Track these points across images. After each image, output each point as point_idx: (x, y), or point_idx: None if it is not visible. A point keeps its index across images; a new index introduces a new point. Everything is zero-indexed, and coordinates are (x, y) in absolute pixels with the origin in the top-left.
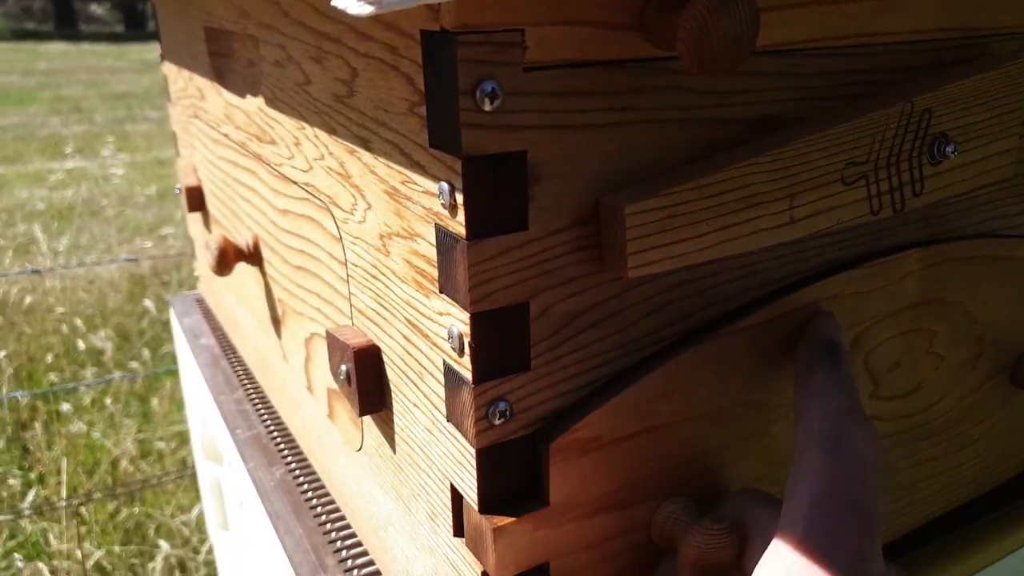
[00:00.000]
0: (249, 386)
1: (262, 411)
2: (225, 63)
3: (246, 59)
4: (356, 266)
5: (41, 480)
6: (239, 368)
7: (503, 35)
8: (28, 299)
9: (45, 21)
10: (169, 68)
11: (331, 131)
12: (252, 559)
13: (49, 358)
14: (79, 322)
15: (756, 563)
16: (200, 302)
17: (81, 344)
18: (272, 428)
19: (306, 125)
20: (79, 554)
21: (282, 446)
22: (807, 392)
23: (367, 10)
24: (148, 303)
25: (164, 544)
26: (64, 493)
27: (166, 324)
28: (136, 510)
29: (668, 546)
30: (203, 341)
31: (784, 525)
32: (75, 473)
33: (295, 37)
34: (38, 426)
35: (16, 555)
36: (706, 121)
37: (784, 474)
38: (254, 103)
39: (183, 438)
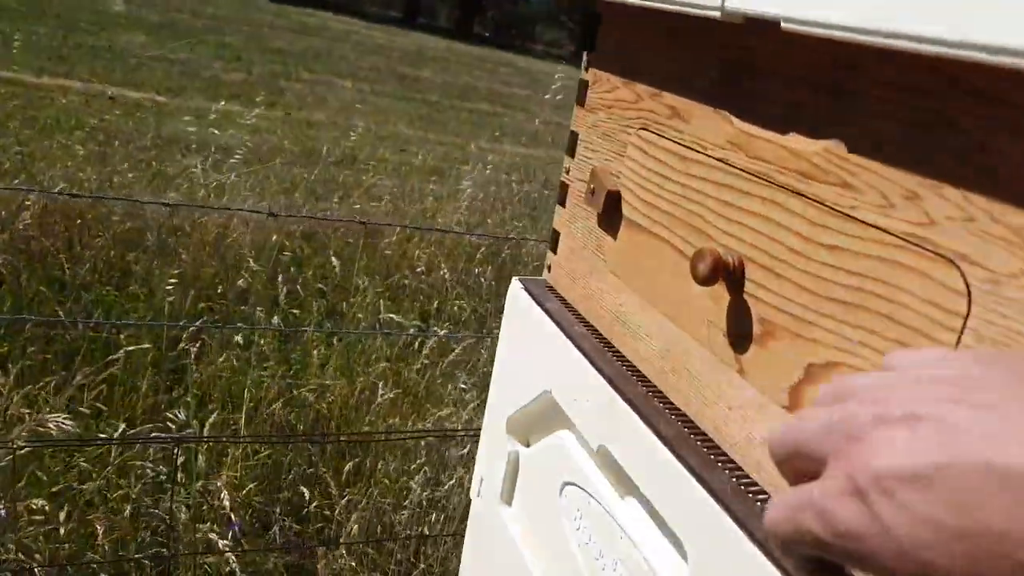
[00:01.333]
0: (638, 382)
1: (667, 410)
2: (747, 96)
3: (790, 101)
4: (993, 324)
5: (200, 405)
6: (618, 362)
7: None
8: (197, 232)
9: None
10: (599, 75)
11: (1012, 200)
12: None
13: (219, 289)
14: (252, 263)
15: None
16: (551, 289)
17: (241, 283)
18: (685, 428)
19: (947, 186)
20: (219, 484)
21: (703, 448)
22: None
23: None
24: (334, 258)
25: (305, 491)
26: (237, 425)
27: (315, 277)
28: (274, 453)
29: None
30: (577, 329)
31: None
32: (224, 407)
33: (979, 114)
34: (193, 352)
35: (162, 469)
36: None
37: None
38: (812, 144)
39: (321, 393)
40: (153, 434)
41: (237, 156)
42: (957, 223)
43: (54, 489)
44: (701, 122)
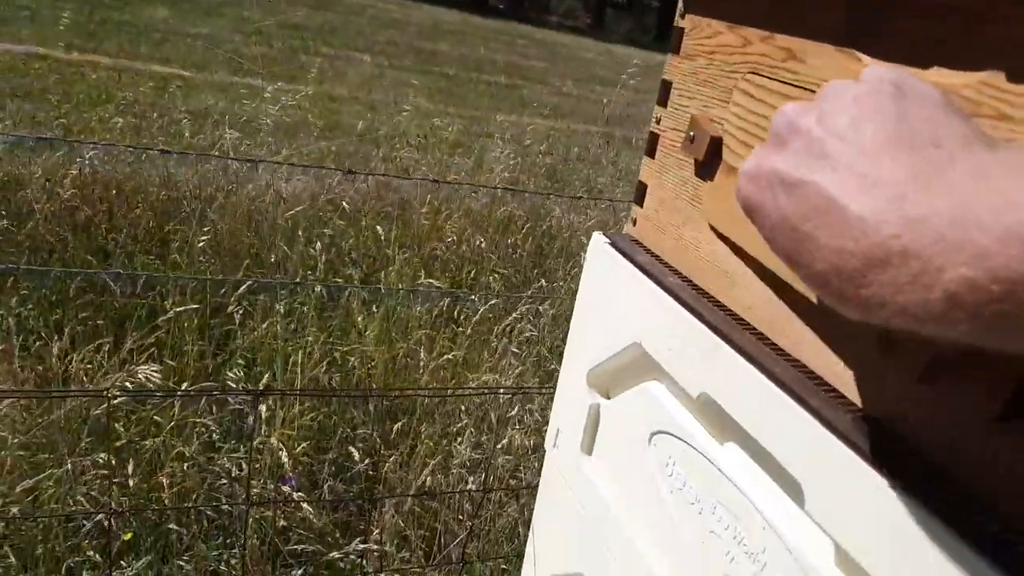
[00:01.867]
0: (744, 329)
1: (777, 355)
2: (880, 32)
3: (933, 34)
4: None
5: (248, 366)
6: (720, 311)
7: None
8: (245, 195)
9: None
10: (699, 21)
11: None
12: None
13: (257, 258)
14: (300, 232)
15: None
16: (635, 242)
17: (279, 252)
18: (799, 372)
19: None
20: (273, 441)
21: (821, 390)
22: None
23: None
24: (378, 227)
25: (354, 451)
26: (285, 385)
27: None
28: (319, 415)
29: None
30: (671, 280)
31: None
32: (270, 370)
33: None
34: (236, 317)
35: (215, 428)
36: None
37: None
38: (964, 77)
39: (363, 358)
40: (215, 393)
41: (265, 130)
42: None
43: (117, 444)
44: (823, 61)
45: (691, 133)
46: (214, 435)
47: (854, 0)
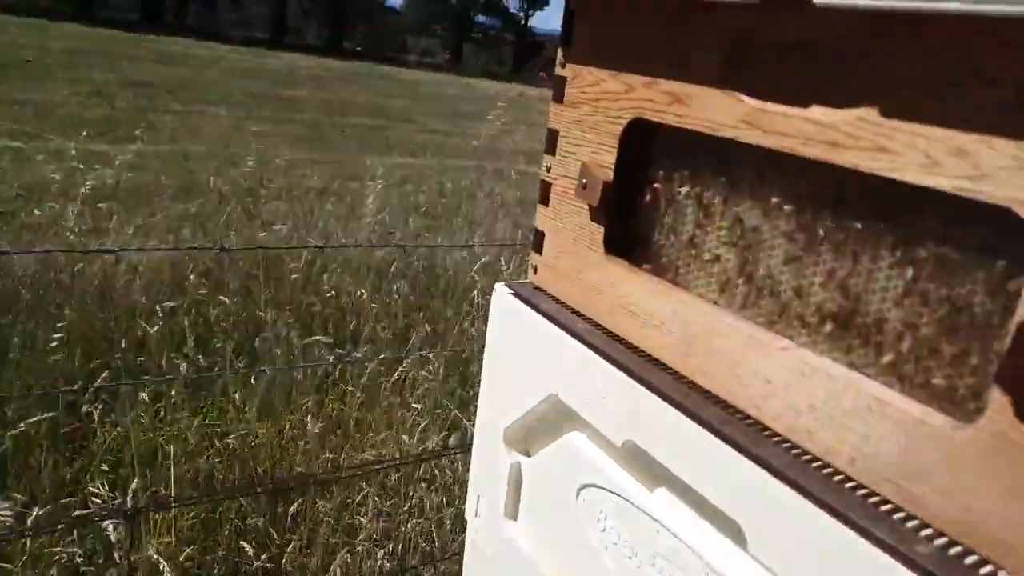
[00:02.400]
0: (661, 370)
1: (698, 394)
2: (761, 74)
3: (811, 74)
4: None
5: (112, 469)
6: (634, 354)
7: None
8: (93, 278)
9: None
10: (579, 70)
11: None
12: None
13: (113, 343)
14: (157, 309)
15: None
16: (539, 290)
17: (138, 332)
18: (722, 410)
19: (994, 138)
20: (151, 554)
21: (746, 426)
22: None
23: None
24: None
25: (247, 547)
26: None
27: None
28: (201, 512)
29: None
30: (581, 326)
31: None
32: (133, 471)
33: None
34: (96, 416)
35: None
36: None
37: None
38: (842, 114)
39: (245, 438)
40: (76, 513)
41: (113, 198)
42: (1006, 172)
43: None
44: (707, 103)
45: (583, 180)
46: (77, 559)
47: (734, 44)
